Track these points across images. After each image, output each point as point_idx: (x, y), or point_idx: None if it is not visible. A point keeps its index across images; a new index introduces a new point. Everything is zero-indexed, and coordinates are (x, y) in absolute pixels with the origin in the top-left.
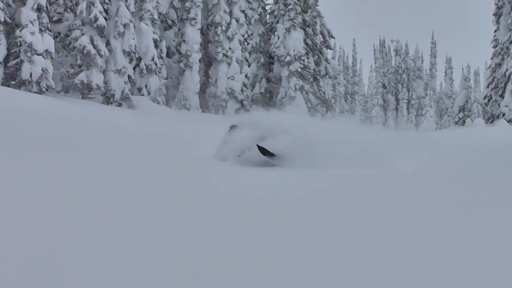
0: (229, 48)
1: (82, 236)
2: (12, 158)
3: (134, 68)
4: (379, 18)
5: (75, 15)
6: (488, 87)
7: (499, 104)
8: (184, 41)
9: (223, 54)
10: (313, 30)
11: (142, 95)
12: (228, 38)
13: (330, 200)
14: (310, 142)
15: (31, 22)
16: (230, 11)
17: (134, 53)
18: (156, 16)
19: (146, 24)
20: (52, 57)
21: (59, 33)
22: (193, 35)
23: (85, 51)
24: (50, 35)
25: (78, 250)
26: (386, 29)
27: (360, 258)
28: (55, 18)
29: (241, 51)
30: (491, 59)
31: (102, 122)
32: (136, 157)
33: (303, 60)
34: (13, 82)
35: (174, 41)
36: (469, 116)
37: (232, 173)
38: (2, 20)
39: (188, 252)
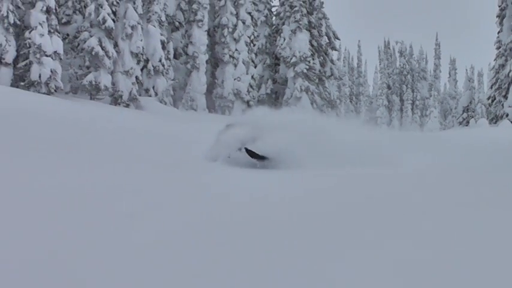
0: (236, 50)
1: (85, 235)
2: (21, 158)
3: (142, 69)
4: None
5: (83, 17)
6: (491, 88)
7: (502, 105)
8: (191, 42)
9: (230, 56)
10: (318, 32)
11: (150, 96)
12: (235, 39)
13: (328, 200)
14: (308, 143)
15: (40, 24)
16: (236, 13)
17: (142, 54)
18: (163, 18)
19: (154, 26)
20: (61, 59)
21: (67, 34)
22: (200, 36)
23: (93, 53)
24: (58, 36)
25: (82, 249)
26: (391, 30)
27: (361, 259)
28: (64, 20)
29: (248, 52)
30: (495, 60)
31: (110, 122)
32: (143, 158)
33: (309, 62)
34: (22, 83)
35: (181, 42)
36: (472, 117)
37: (222, 174)
38: (12, 22)
39: (188, 253)
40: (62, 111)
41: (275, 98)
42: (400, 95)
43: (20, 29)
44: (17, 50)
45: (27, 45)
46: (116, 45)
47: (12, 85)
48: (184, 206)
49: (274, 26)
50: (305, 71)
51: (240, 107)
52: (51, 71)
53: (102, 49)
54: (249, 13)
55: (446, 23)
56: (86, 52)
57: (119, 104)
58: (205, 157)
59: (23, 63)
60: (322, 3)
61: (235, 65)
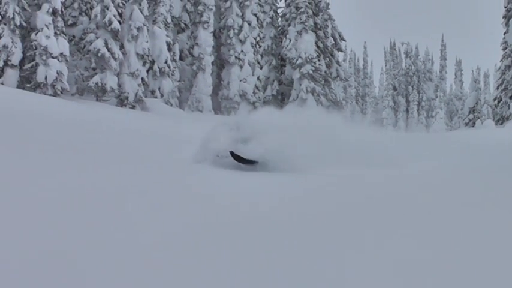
0: (242, 51)
1: (88, 235)
2: (27, 160)
3: (148, 71)
4: (390, 21)
5: (89, 19)
6: (497, 89)
7: (508, 106)
8: (197, 44)
9: (236, 57)
10: (324, 33)
11: (156, 98)
12: (240, 41)
13: (327, 201)
14: (306, 144)
15: (46, 26)
16: (242, 14)
17: (148, 56)
18: (169, 19)
19: (159, 28)
20: (67, 60)
21: (73, 36)
22: (206, 38)
23: (99, 54)
24: (64, 38)
25: (86, 249)
26: (396, 31)
27: (361, 260)
28: (70, 22)
29: (253, 53)
30: (501, 61)
31: (116, 124)
32: (149, 159)
33: (314, 63)
34: (28, 85)
35: (187, 44)
36: (479, 118)
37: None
38: (18, 23)
39: (188, 254)
40: (68, 112)
41: (281, 100)
42: (406, 96)
43: (26, 31)
44: (23, 52)
45: (34, 47)
46: (121, 46)
47: (18, 87)
48: (177, 209)
49: (280, 28)
50: (311, 72)
51: (246, 108)
52: (57, 73)
53: (108, 51)
54: (255, 14)
55: (452, 24)
56: (92, 54)
57: (125, 106)
58: (192, 158)
59: (29, 65)
60: (328, 4)
61: (241, 67)
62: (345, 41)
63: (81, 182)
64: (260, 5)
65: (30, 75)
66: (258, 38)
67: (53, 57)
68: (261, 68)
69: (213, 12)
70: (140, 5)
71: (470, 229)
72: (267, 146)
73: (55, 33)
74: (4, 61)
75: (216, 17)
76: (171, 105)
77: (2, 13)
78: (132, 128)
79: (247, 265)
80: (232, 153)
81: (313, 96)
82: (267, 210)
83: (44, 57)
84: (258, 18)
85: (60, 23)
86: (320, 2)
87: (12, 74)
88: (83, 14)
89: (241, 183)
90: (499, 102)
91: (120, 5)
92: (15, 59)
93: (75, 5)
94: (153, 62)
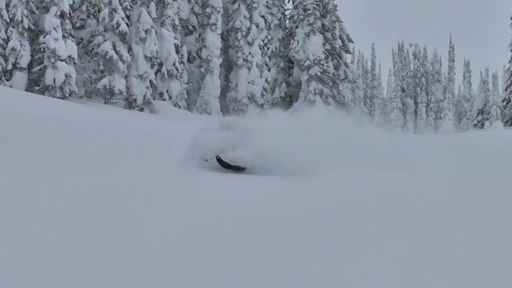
0: (250, 53)
1: (92, 236)
2: (35, 161)
3: (156, 73)
4: (398, 22)
5: (97, 22)
6: (506, 90)
7: None
8: (205, 46)
9: (244, 59)
10: (332, 35)
11: (164, 100)
12: (248, 43)
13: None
14: (307, 147)
15: (54, 28)
16: (250, 17)
17: (156, 58)
18: (177, 22)
19: (167, 30)
20: (75, 63)
21: (81, 39)
22: (213, 40)
23: (107, 57)
24: (73, 41)
25: (90, 249)
26: (404, 33)
27: (364, 260)
28: (78, 25)
29: (261, 56)
30: (510, 62)
31: (124, 126)
32: (156, 161)
33: (322, 65)
34: (37, 88)
35: (194, 46)
36: (487, 119)
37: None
38: (26, 26)
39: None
40: (76, 115)
41: (289, 102)
42: (414, 97)
43: (35, 34)
44: (31, 55)
45: (42, 50)
46: (130, 49)
47: (27, 89)
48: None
49: (287, 29)
50: (319, 74)
51: (254, 110)
52: (66, 76)
53: (116, 53)
54: (263, 16)
55: (460, 25)
56: (100, 56)
57: (133, 108)
58: (181, 160)
59: (38, 67)
60: (336, 6)
61: (249, 69)
62: (352, 42)
63: (86, 184)
64: (268, 7)
65: (38, 78)
66: (265, 40)
67: (61, 60)
68: (269, 70)
69: (221, 15)
70: (148, 7)
71: (473, 229)
72: (258, 150)
73: (63, 35)
74: (13, 64)
75: (223, 19)
76: (179, 107)
77: (10, 16)
78: (140, 131)
79: (235, 270)
80: (218, 160)
81: (321, 98)
82: (260, 213)
83: (52, 60)
84: (265, 20)
85: (69, 26)
86: (328, 3)
87: (20, 77)
88: (91, 16)
89: (233, 185)
90: (507, 103)
91: (128, 7)
92: (24, 61)
93: (83, 8)
94: (161, 65)
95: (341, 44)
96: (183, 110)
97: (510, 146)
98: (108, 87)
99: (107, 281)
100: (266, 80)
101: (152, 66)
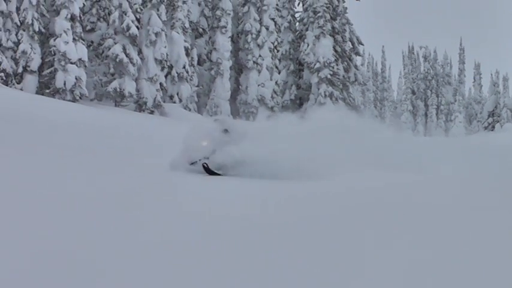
0: (260, 56)
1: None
2: (46, 165)
3: (166, 76)
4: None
5: (107, 25)
6: None
7: None
8: (215, 48)
9: (254, 62)
10: (342, 37)
11: (174, 103)
12: (258, 45)
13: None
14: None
15: (65, 31)
16: (260, 19)
17: (166, 61)
18: (187, 24)
19: (177, 33)
20: (85, 66)
21: (92, 42)
22: (223, 42)
23: (118, 60)
24: (83, 44)
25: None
26: (415, 35)
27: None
28: (88, 28)
29: (271, 58)
30: None
31: (134, 129)
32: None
33: (332, 67)
34: (47, 90)
35: (205, 48)
36: (498, 121)
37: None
38: (37, 29)
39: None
40: (87, 118)
41: (299, 104)
42: (424, 100)
43: (45, 37)
44: (42, 58)
45: (52, 53)
46: (140, 52)
47: (37, 92)
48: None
49: (297, 32)
50: (329, 76)
51: (264, 113)
52: (76, 78)
53: (127, 56)
54: (273, 19)
55: (471, 27)
56: (110, 59)
57: (144, 111)
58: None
59: (48, 70)
60: (346, 8)
61: (259, 71)
62: (362, 45)
63: (96, 186)
64: (278, 9)
65: (49, 80)
66: (275, 43)
67: (71, 63)
68: (279, 73)
69: (231, 17)
70: (158, 10)
71: (479, 232)
72: (228, 157)
73: (73, 38)
74: (23, 67)
75: (233, 21)
76: (190, 110)
77: (21, 19)
78: (150, 134)
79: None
80: (205, 168)
81: (331, 100)
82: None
83: (62, 63)
84: (275, 23)
85: (79, 29)
86: (338, 6)
87: (31, 80)
88: (101, 19)
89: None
90: None
91: (138, 10)
92: (34, 64)
93: (94, 11)
94: (171, 67)
95: (351, 46)
96: (193, 112)
97: None
98: (118, 90)
99: (115, 278)
100: (276, 82)
101: (162, 68)
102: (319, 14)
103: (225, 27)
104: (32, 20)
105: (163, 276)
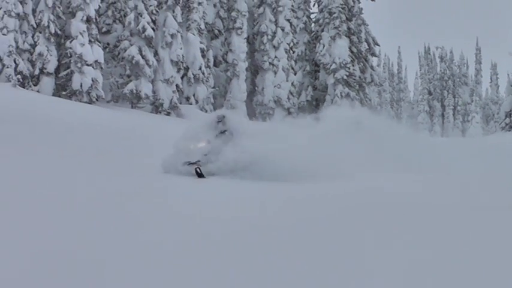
0: (275, 57)
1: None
2: (65, 167)
3: (182, 78)
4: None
5: (123, 26)
6: None
7: None
8: (230, 50)
9: (270, 63)
10: (358, 38)
11: (191, 104)
12: (274, 46)
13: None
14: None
15: (81, 33)
16: (275, 20)
17: (182, 62)
18: (202, 26)
19: (193, 34)
20: (101, 68)
21: (108, 44)
22: (239, 44)
23: (134, 62)
24: (99, 45)
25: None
26: (431, 35)
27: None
28: (104, 29)
29: (287, 59)
30: None
31: (151, 131)
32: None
33: (349, 68)
34: (64, 92)
35: (220, 50)
36: None
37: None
38: (53, 31)
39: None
40: (103, 120)
41: (315, 105)
42: (441, 100)
43: (61, 39)
44: (58, 60)
45: (68, 55)
46: (156, 53)
47: (54, 94)
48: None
49: (313, 33)
50: (345, 77)
51: (281, 114)
52: (92, 80)
53: (143, 58)
54: (288, 20)
55: (487, 27)
56: (126, 61)
57: (160, 112)
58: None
59: (65, 72)
60: (361, 9)
61: (275, 72)
62: (378, 45)
63: (114, 187)
64: (293, 10)
65: (65, 82)
66: (291, 44)
67: (87, 65)
68: (295, 74)
69: (246, 18)
70: (174, 11)
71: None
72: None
73: (89, 40)
74: (40, 69)
75: (249, 23)
76: (206, 111)
77: (37, 21)
78: (167, 135)
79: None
80: (197, 172)
81: (347, 101)
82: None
83: (79, 65)
84: (291, 24)
85: (95, 31)
86: (353, 7)
87: (47, 82)
88: (117, 21)
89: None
90: None
91: (154, 12)
92: (51, 66)
93: (109, 13)
94: (187, 69)
95: (367, 47)
96: (210, 114)
97: None
98: (134, 91)
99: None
100: (292, 83)
101: (178, 70)
102: (335, 15)
103: (241, 28)
104: (48, 22)
105: (160, 277)
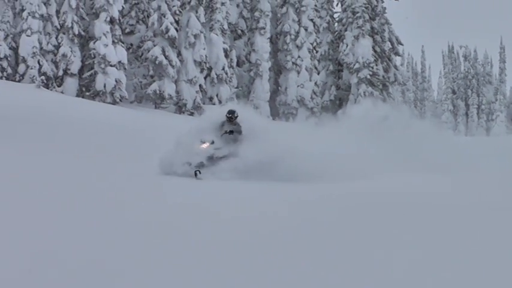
0: (299, 57)
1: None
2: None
3: (205, 78)
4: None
5: (146, 27)
6: None
7: None
8: (253, 50)
9: (293, 63)
10: (381, 37)
11: (214, 104)
12: (297, 46)
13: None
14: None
15: (104, 34)
16: (298, 20)
17: (205, 62)
18: (225, 26)
19: (216, 34)
20: (125, 68)
21: (131, 44)
22: (262, 44)
23: (157, 62)
24: (122, 46)
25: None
26: (454, 34)
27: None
28: (127, 30)
29: (310, 59)
30: None
31: (174, 131)
32: None
33: (372, 67)
34: (88, 93)
35: (243, 50)
36: None
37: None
38: (76, 32)
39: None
40: (127, 120)
41: (339, 105)
42: (465, 99)
43: (85, 40)
44: (82, 61)
45: (92, 56)
46: (179, 54)
47: (77, 95)
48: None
49: (336, 32)
50: (368, 77)
51: (304, 113)
52: (116, 81)
53: (166, 58)
54: (311, 20)
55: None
56: (149, 61)
57: (183, 113)
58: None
59: (88, 73)
60: (385, 8)
61: (298, 72)
62: (402, 45)
63: (135, 187)
64: (316, 10)
65: (89, 83)
66: (314, 43)
67: (111, 66)
68: (318, 74)
69: (269, 18)
70: (197, 12)
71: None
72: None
73: (113, 41)
74: (63, 70)
75: (272, 23)
76: None
77: (60, 22)
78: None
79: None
80: (196, 174)
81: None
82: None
83: (102, 66)
84: (314, 24)
85: (118, 32)
86: (377, 6)
87: (71, 83)
88: (140, 22)
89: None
90: None
91: (177, 12)
92: (75, 67)
93: (133, 13)
94: (210, 69)
95: (390, 46)
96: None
97: None
98: (158, 92)
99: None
100: (315, 83)
101: (202, 70)
102: (358, 14)
103: (264, 28)
104: (72, 23)
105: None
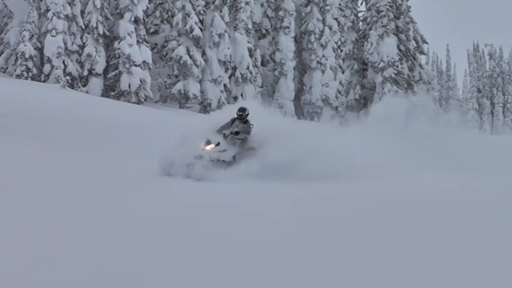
0: (323, 56)
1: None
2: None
3: (230, 77)
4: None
5: (171, 27)
6: None
7: None
8: (278, 49)
9: (317, 62)
10: (406, 36)
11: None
12: (322, 45)
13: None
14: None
15: (129, 34)
16: (323, 19)
17: (229, 62)
18: (250, 25)
19: (241, 34)
20: (150, 68)
21: (155, 44)
22: (287, 43)
23: (181, 62)
24: (147, 46)
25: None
26: (479, 33)
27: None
28: (152, 30)
29: (335, 58)
30: None
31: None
32: None
33: (397, 66)
34: (112, 93)
35: (268, 49)
36: None
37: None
38: (101, 32)
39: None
40: (152, 120)
41: (363, 104)
42: (490, 98)
43: (109, 40)
44: (106, 61)
45: (117, 56)
46: (203, 53)
47: (102, 95)
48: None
49: (361, 31)
50: (393, 75)
51: (329, 113)
52: (141, 81)
53: (190, 58)
54: (336, 19)
55: None
56: (174, 61)
57: (208, 112)
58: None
59: (113, 73)
60: (409, 7)
61: (323, 71)
62: (427, 43)
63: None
64: (341, 9)
65: (114, 83)
66: (339, 42)
67: (136, 65)
68: (343, 73)
69: (294, 18)
70: (221, 11)
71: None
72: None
73: (137, 41)
74: (88, 70)
75: (296, 22)
76: None
77: (85, 22)
78: None
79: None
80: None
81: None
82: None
83: (127, 66)
84: (338, 23)
85: (143, 31)
86: (401, 5)
87: (96, 83)
88: (165, 21)
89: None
90: None
91: (201, 12)
92: (99, 67)
93: (157, 13)
94: (234, 68)
95: (415, 45)
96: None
97: None
98: (182, 91)
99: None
100: (340, 82)
101: (226, 70)
102: (383, 13)
103: (288, 27)
104: (97, 23)
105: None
